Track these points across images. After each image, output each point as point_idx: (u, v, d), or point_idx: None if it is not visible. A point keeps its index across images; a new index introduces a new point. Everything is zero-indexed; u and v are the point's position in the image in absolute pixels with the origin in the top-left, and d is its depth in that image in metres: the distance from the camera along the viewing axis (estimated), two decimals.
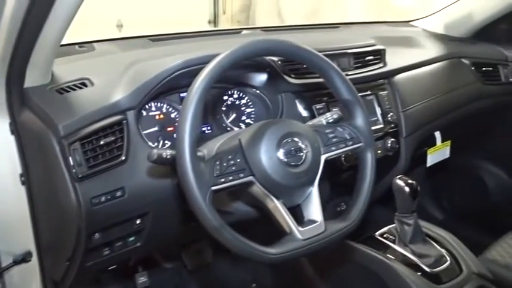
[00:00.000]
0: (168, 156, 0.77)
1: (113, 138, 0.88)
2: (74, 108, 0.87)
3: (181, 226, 1.00)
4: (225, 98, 1.14)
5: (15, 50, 0.81)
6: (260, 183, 0.79)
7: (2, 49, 0.82)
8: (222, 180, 0.75)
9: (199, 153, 0.79)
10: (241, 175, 0.78)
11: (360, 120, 0.92)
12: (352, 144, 0.89)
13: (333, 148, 0.87)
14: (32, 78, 0.89)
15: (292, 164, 0.81)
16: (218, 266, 1.48)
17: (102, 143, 0.86)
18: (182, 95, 1.06)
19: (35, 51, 0.82)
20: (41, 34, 0.79)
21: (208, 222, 0.74)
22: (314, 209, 0.83)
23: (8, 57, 0.83)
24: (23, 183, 0.96)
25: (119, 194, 0.87)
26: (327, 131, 0.89)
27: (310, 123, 0.97)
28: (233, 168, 0.77)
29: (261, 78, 1.13)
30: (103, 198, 0.85)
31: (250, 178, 0.78)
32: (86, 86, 0.95)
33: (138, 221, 0.92)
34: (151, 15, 3.46)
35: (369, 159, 0.90)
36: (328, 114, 0.98)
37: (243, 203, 0.91)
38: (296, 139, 0.82)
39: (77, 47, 1.16)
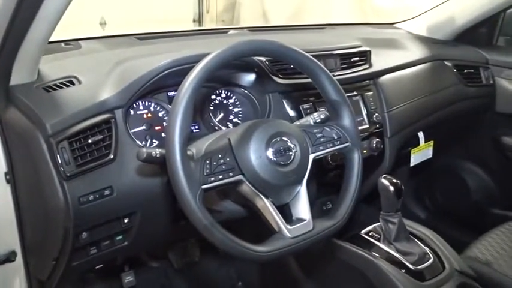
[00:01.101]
0: (158, 155, 0.78)
1: (101, 137, 0.88)
2: (62, 107, 0.87)
3: (170, 225, 1.00)
4: (213, 97, 1.14)
5: (1, 47, 0.80)
6: (249, 182, 0.80)
7: None
8: (212, 179, 0.76)
9: (188, 152, 0.79)
10: (231, 174, 0.78)
11: (347, 120, 0.93)
12: (339, 144, 0.91)
13: (321, 148, 0.89)
14: (18, 76, 0.88)
15: (281, 163, 0.82)
16: (205, 265, 1.48)
17: (90, 141, 0.86)
18: (170, 94, 1.06)
19: (22, 48, 0.81)
20: (29, 32, 0.79)
21: (199, 221, 0.74)
22: (302, 208, 0.85)
23: None
24: (7, 181, 0.94)
25: (107, 192, 0.86)
26: (315, 130, 0.90)
27: (297, 123, 0.98)
28: (223, 167, 0.78)
29: (249, 78, 1.13)
30: (91, 197, 0.84)
31: (240, 177, 0.79)
32: (73, 84, 0.94)
33: (126, 220, 0.92)
34: (135, 13, 3.43)
35: (356, 158, 0.91)
36: (315, 114, 1.00)
37: (232, 201, 0.92)
38: (285, 138, 0.83)
39: (62, 44, 1.15)
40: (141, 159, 0.77)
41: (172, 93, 1.05)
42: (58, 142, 0.82)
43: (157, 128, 1.04)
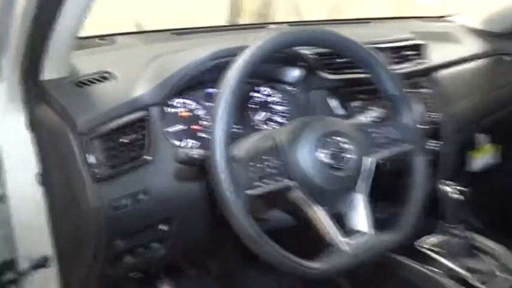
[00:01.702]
0: (197, 156, 0.70)
1: (135, 136, 0.81)
2: (94, 103, 0.81)
3: (209, 232, 0.93)
4: (254, 94, 1.06)
5: (29, 40, 0.75)
6: (299, 188, 0.71)
7: (16, 40, 0.76)
8: (258, 184, 0.67)
9: (232, 153, 0.71)
10: (279, 179, 0.70)
11: (408, 118, 0.82)
12: (400, 146, 0.80)
13: (379, 149, 0.78)
14: (49, 71, 0.82)
15: (335, 166, 0.72)
16: (245, 273, 1.39)
17: (123, 141, 0.79)
18: (208, 90, 0.99)
19: (51, 41, 0.76)
20: (57, 23, 0.73)
21: (244, 230, 0.66)
22: (361, 218, 0.75)
23: (22, 48, 0.77)
24: (40, 183, 0.89)
25: (141, 196, 0.79)
26: (372, 130, 0.80)
27: (351, 121, 0.88)
28: (269, 171, 0.69)
29: (293, 73, 1.04)
30: (124, 202, 0.78)
31: (289, 182, 0.70)
32: (107, 79, 0.88)
33: (162, 227, 0.85)
34: (167, 15, 3.39)
35: (421, 163, 0.80)
36: (369, 112, 0.90)
37: (279, 209, 0.83)
38: (339, 138, 0.74)
39: (97, 40, 1.10)
40: (178, 161, 0.70)
41: (211, 90, 0.98)
42: (90, 141, 0.76)
43: (194, 127, 0.96)
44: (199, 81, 0.94)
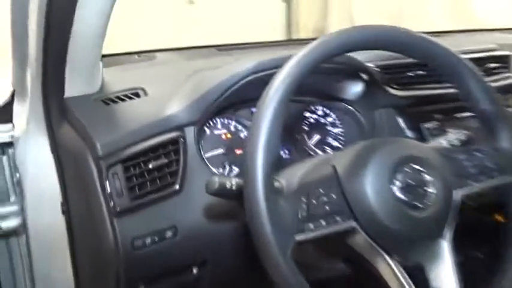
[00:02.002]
0: (234, 187, 0.56)
1: (165, 161, 0.69)
2: (120, 122, 0.70)
3: (249, 274, 0.77)
4: (307, 114, 0.91)
5: (46, 51, 0.66)
6: (365, 231, 0.54)
7: (35, 53, 0.67)
8: (311, 226, 0.52)
9: (276, 184, 0.56)
10: (338, 219, 0.53)
11: (507, 142, 0.64)
12: (498, 176, 0.61)
13: (471, 181, 0.60)
14: (74, 87, 0.73)
15: (414, 203, 0.55)
16: None
17: (151, 166, 0.67)
18: (254, 109, 0.85)
19: (70, 52, 0.66)
20: (73, 31, 0.63)
21: (285, 281, 0.50)
22: (446, 273, 0.56)
23: (43, 61, 0.68)
24: (63, 212, 0.79)
25: (169, 234, 0.66)
26: (460, 156, 0.62)
27: (432, 145, 0.70)
28: (326, 208, 0.53)
29: (354, 89, 0.88)
30: (149, 240, 0.65)
31: (351, 224, 0.54)
32: (138, 96, 0.77)
33: (194, 271, 0.71)
34: (220, 32, 3.32)
35: None
36: (451, 135, 0.72)
37: (335, 256, 0.66)
38: (418, 167, 0.56)
39: (136, 56, 1.01)
40: (211, 192, 0.56)
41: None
42: (110, 166, 0.64)
43: (238, 152, 0.83)
44: (243, 98, 0.81)
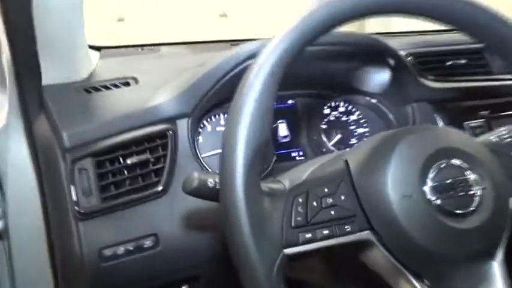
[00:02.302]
0: (217, 186, 0.44)
1: (150, 157, 0.58)
2: (98, 111, 0.60)
3: None
4: (326, 111, 0.78)
5: (11, 31, 0.57)
6: (385, 245, 0.41)
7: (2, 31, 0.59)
8: (308, 236, 0.39)
9: (264, 188, 0.43)
10: (348, 228, 0.41)
11: None
12: None
13: None
14: (52, 74, 0.64)
15: (454, 211, 0.41)
16: None
17: (130, 162, 0.56)
18: None
19: (40, 31, 0.58)
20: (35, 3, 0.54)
21: None
22: None
23: (9, 42, 0.60)
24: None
25: (148, 244, 0.55)
26: None
27: (478, 139, 0.56)
28: (331, 213, 0.41)
29: (381, 80, 0.75)
30: (122, 250, 0.54)
31: (366, 235, 0.41)
32: (128, 85, 0.68)
33: None
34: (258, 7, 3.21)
35: None
36: (503, 130, 0.57)
37: (343, 276, 0.52)
38: (460, 162, 0.43)
39: (140, 49, 0.93)
40: (186, 191, 0.45)
41: None
42: (76, 160, 0.54)
43: None
44: None
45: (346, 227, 0.41)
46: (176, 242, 0.57)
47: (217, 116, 0.71)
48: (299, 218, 0.40)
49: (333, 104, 0.79)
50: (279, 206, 0.40)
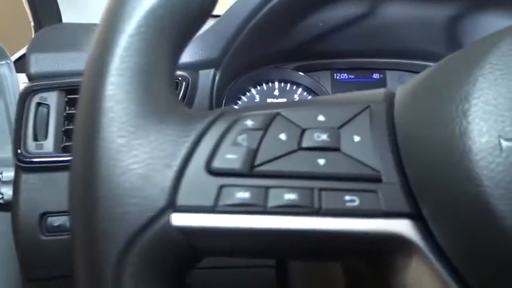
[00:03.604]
0: None
1: None
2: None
3: None
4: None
5: None
6: (443, 249, 0.17)
7: None
8: (245, 196, 0.18)
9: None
10: (355, 202, 0.18)
11: None
12: None
13: None
14: None
15: None
16: None
17: None
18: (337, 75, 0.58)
19: None
20: None
21: None
22: None
23: None
24: None
25: None
26: None
27: None
28: (320, 161, 0.19)
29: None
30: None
31: (400, 225, 0.18)
32: None
33: None
34: None
35: None
36: None
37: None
38: None
39: None
40: None
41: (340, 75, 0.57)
42: (33, 92, 0.41)
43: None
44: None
45: (349, 198, 0.19)
46: None
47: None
48: (233, 156, 0.19)
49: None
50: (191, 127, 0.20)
